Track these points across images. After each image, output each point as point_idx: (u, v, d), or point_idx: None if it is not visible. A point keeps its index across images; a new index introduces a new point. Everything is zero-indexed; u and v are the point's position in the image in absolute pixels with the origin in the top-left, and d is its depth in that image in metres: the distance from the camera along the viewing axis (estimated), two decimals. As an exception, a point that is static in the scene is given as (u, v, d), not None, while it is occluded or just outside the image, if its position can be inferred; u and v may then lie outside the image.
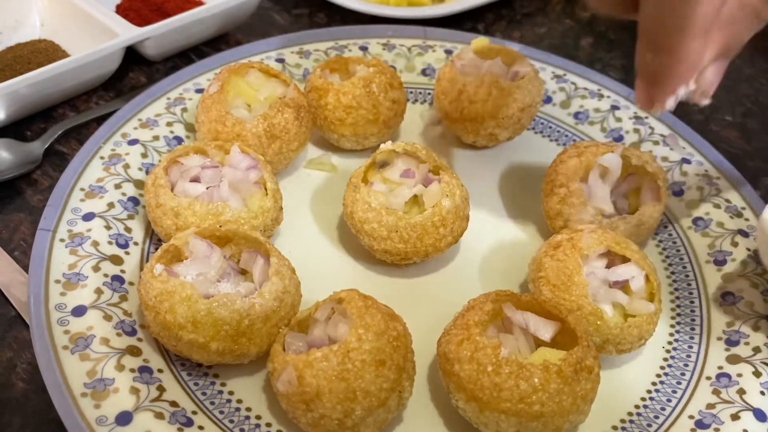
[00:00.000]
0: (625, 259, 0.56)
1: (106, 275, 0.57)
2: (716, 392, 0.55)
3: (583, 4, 0.97)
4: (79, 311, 0.53)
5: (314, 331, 0.51)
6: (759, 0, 0.41)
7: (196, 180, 0.58)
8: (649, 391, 0.56)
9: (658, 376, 0.57)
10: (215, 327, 0.49)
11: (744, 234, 0.65)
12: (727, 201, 0.67)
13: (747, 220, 0.66)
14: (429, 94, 0.78)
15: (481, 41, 0.73)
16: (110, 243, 0.59)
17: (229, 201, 0.57)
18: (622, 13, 0.44)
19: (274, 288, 0.50)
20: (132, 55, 0.79)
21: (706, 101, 0.44)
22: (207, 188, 0.57)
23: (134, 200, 0.63)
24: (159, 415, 0.49)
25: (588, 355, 0.48)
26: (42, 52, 0.76)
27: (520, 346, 0.51)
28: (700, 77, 0.42)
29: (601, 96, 0.77)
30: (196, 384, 0.53)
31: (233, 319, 0.49)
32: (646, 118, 0.75)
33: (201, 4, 0.85)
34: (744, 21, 0.41)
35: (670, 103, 0.43)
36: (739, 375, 0.55)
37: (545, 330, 0.51)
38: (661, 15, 0.40)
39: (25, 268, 0.60)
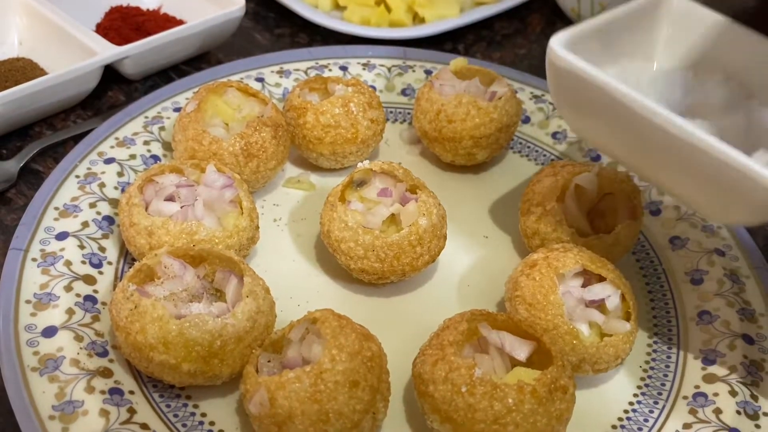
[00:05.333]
0: (601, 279, 0.56)
1: (78, 295, 0.56)
2: (693, 411, 0.55)
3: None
4: (49, 332, 0.53)
5: (288, 351, 0.50)
6: None
7: (171, 199, 0.58)
8: (626, 411, 0.55)
9: (635, 395, 0.57)
10: (186, 348, 0.48)
11: (720, 253, 0.65)
12: (703, 220, 0.68)
13: (723, 239, 0.66)
14: (408, 113, 0.79)
15: (459, 62, 0.73)
16: (83, 262, 0.58)
17: (204, 220, 0.56)
18: None
19: (247, 308, 0.50)
20: (111, 74, 0.79)
21: None
22: (181, 207, 0.57)
23: (109, 219, 0.62)
24: (128, 438, 0.48)
25: (563, 375, 0.48)
26: (20, 70, 0.76)
27: (496, 366, 0.51)
28: None
29: (579, 116, 0.78)
30: (168, 406, 0.52)
31: (205, 339, 0.48)
32: (624, 137, 0.75)
33: (182, 23, 0.85)
34: None
35: None
36: (716, 394, 0.55)
37: (521, 350, 0.50)
38: None
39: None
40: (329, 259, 0.62)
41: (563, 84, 0.49)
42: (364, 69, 0.80)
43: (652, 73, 0.57)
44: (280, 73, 0.78)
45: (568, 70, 0.48)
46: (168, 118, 0.72)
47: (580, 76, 0.47)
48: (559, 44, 0.48)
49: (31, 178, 0.69)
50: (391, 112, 0.79)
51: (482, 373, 0.47)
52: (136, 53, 0.76)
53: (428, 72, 0.81)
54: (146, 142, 0.69)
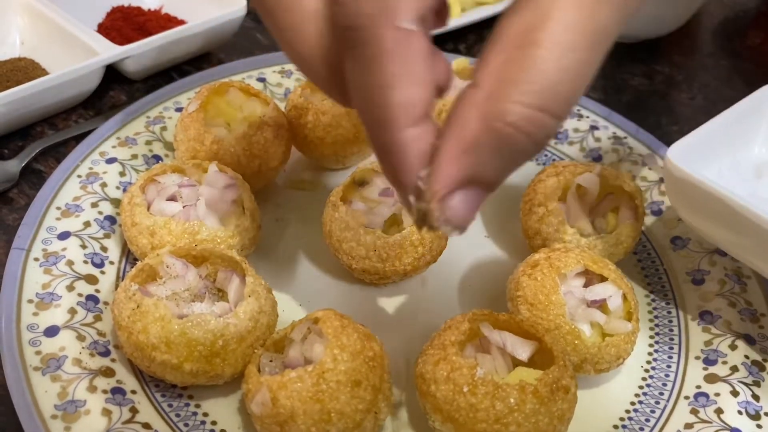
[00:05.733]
0: (602, 279, 0.56)
1: (80, 295, 0.56)
2: (694, 412, 0.55)
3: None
4: (51, 331, 0.53)
5: (290, 351, 0.50)
6: (507, 125, 0.33)
7: (173, 199, 0.58)
8: (627, 411, 0.55)
9: (637, 395, 0.57)
10: (189, 347, 0.48)
11: (722, 253, 0.65)
12: (705, 220, 0.68)
13: (724, 239, 0.66)
14: (410, 113, 0.79)
15: (461, 62, 0.73)
16: (85, 262, 0.58)
17: (206, 220, 0.56)
18: (341, 102, 0.40)
19: (249, 308, 0.50)
20: (113, 74, 0.79)
21: (456, 233, 0.37)
22: (184, 207, 0.57)
23: (111, 219, 0.62)
24: (131, 438, 0.48)
25: (564, 375, 0.48)
26: (21, 70, 0.76)
27: (498, 366, 0.51)
28: (444, 203, 0.36)
29: (580, 116, 0.78)
30: (170, 405, 0.52)
31: (207, 339, 0.48)
32: (625, 138, 0.76)
33: (183, 23, 0.85)
34: (489, 152, 0.35)
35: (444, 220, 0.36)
36: (717, 394, 0.55)
37: (522, 349, 0.50)
38: (363, 105, 0.36)
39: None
40: (331, 259, 0.62)
41: (680, 189, 0.56)
42: (365, 69, 0.80)
43: (757, 164, 0.64)
44: (282, 73, 0.79)
45: (685, 180, 0.55)
46: (170, 118, 0.72)
47: (698, 186, 0.54)
48: (675, 156, 0.56)
49: (33, 177, 0.70)
50: (393, 112, 0.79)
51: (484, 373, 0.47)
52: (138, 53, 0.76)
53: (430, 72, 0.81)
54: (148, 142, 0.69)
